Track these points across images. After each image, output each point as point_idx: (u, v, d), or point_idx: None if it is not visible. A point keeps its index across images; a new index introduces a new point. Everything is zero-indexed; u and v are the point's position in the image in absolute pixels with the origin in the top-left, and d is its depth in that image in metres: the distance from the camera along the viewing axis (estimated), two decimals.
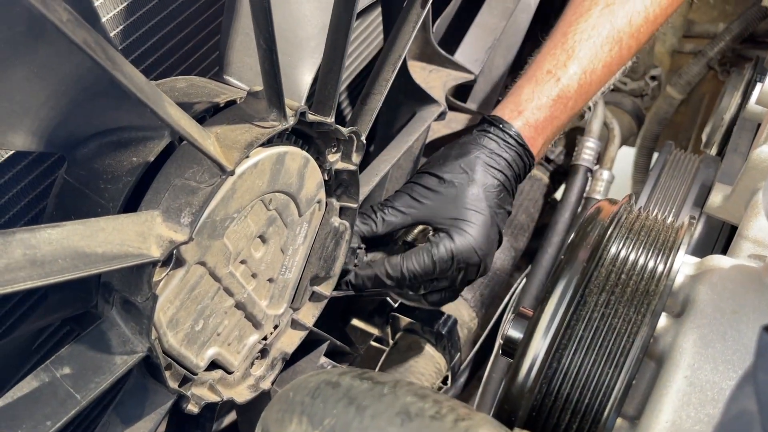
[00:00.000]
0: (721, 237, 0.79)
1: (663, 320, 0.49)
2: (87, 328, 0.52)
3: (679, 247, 0.51)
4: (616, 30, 0.86)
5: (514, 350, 0.57)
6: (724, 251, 0.76)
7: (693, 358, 0.46)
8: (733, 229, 0.76)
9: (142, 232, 0.48)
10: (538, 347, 0.49)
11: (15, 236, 0.40)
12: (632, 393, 0.48)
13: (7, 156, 0.54)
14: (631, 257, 0.51)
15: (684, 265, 0.53)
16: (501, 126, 0.81)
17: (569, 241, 0.53)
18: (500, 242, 0.81)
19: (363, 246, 0.79)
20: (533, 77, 0.85)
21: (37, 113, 0.46)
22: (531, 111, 0.83)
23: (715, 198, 0.78)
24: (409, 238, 0.82)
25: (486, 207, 0.77)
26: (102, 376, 0.49)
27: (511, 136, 0.81)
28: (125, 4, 0.60)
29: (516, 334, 0.56)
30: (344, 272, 0.77)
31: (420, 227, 0.81)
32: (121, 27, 0.60)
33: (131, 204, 0.52)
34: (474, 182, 0.78)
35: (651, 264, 0.51)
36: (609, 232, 0.52)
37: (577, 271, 0.50)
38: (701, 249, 0.78)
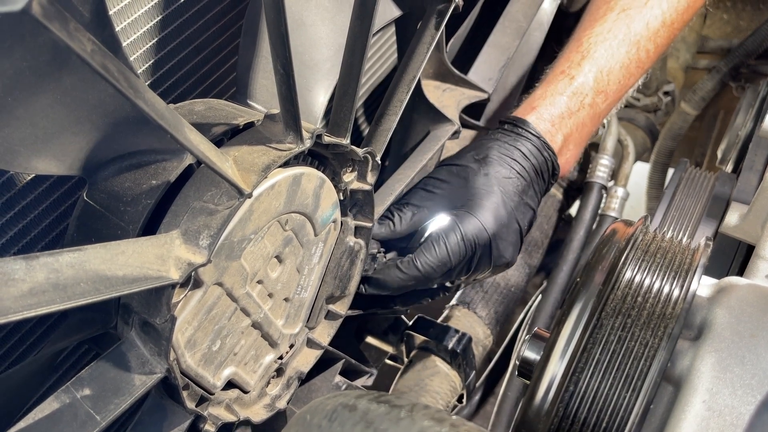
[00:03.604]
0: (737, 256, 0.78)
1: (680, 343, 0.49)
2: (106, 349, 0.52)
3: (695, 270, 0.51)
4: (633, 33, 0.86)
5: (530, 371, 0.56)
6: (741, 271, 0.75)
7: (711, 382, 0.45)
8: (750, 249, 0.75)
9: (161, 255, 0.49)
10: (555, 370, 0.48)
11: (38, 260, 0.41)
12: (650, 417, 0.48)
13: (29, 179, 0.55)
14: (648, 280, 0.51)
15: (701, 287, 0.53)
16: (513, 122, 0.82)
17: (585, 263, 0.53)
18: (522, 239, 0.78)
19: (382, 249, 0.77)
20: (546, 80, 0.87)
21: (59, 138, 0.47)
22: (544, 107, 0.83)
23: (731, 217, 0.77)
24: None
25: (497, 190, 0.75)
26: (121, 398, 0.50)
27: (524, 129, 0.81)
28: (145, 29, 0.61)
29: (532, 355, 0.56)
30: (365, 278, 0.76)
31: None
32: (140, 51, 0.61)
33: (150, 226, 0.52)
34: (485, 168, 0.77)
35: (667, 287, 0.51)
36: (625, 255, 0.52)
37: (593, 294, 0.50)
38: (718, 269, 0.78)
